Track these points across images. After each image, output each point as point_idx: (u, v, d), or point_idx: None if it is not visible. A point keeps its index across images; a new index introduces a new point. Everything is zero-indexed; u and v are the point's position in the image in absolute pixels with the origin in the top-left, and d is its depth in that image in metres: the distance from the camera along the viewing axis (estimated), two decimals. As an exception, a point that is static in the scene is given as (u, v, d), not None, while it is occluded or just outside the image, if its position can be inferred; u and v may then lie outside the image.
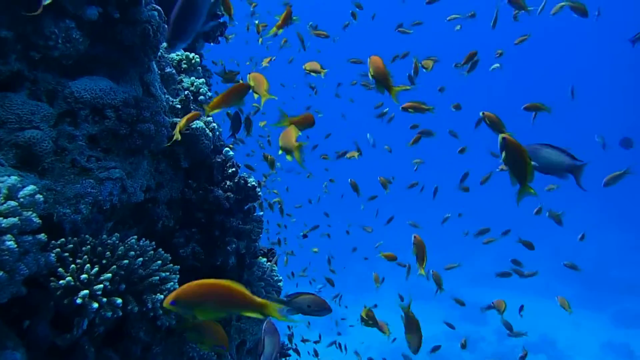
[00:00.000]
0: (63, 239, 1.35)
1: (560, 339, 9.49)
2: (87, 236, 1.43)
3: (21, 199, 1.10)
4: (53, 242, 1.34)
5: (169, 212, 2.06)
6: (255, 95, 1.76)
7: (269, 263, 2.78)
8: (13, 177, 1.12)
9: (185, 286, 1.09)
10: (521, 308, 4.14)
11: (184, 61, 2.58)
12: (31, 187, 1.13)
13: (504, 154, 1.34)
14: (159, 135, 1.76)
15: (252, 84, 1.66)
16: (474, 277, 11.56)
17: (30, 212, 1.12)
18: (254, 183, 2.28)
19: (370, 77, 1.66)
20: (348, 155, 4.20)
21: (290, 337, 4.65)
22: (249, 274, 2.52)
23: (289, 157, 1.54)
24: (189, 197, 2.09)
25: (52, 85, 1.59)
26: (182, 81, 2.54)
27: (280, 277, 2.83)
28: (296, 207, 5.89)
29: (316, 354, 5.25)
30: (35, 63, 1.55)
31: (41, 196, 1.16)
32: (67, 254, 1.33)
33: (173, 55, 2.57)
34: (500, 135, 1.36)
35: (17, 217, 1.05)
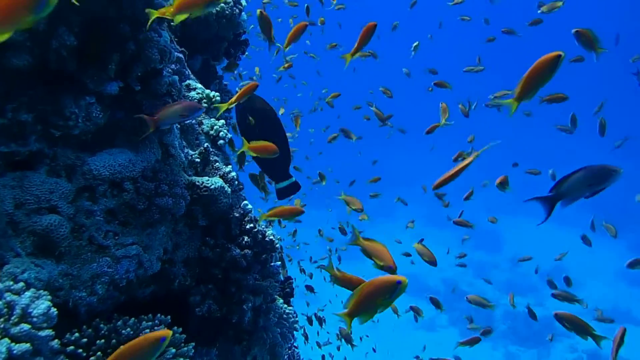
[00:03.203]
0: (77, 334, 1.34)
1: (573, 267, 9.11)
2: (102, 325, 1.42)
3: (34, 319, 1.09)
4: (67, 336, 1.34)
5: (185, 269, 2.04)
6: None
7: (285, 305, 2.76)
8: (29, 293, 1.11)
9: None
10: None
11: (205, 100, 2.55)
12: (46, 304, 1.11)
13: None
14: (177, 207, 1.74)
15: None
16: (490, 204, 11.06)
17: (44, 326, 1.11)
18: (272, 237, 2.24)
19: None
20: (314, 181, 4.22)
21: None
22: (265, 320, 2.51)
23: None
24: (206, 254, 2.07)
25: (71, 160, 1.57)
26: (202, 123, 2.51)
27: (297, 319, 2.81)
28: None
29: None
30: (55, 139, 1.54)
31: (55, 310, 1.15)
32: (80, 350, 1.32)
33: (193, 93, 2.54)
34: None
35: (30, 342, 1.04)
